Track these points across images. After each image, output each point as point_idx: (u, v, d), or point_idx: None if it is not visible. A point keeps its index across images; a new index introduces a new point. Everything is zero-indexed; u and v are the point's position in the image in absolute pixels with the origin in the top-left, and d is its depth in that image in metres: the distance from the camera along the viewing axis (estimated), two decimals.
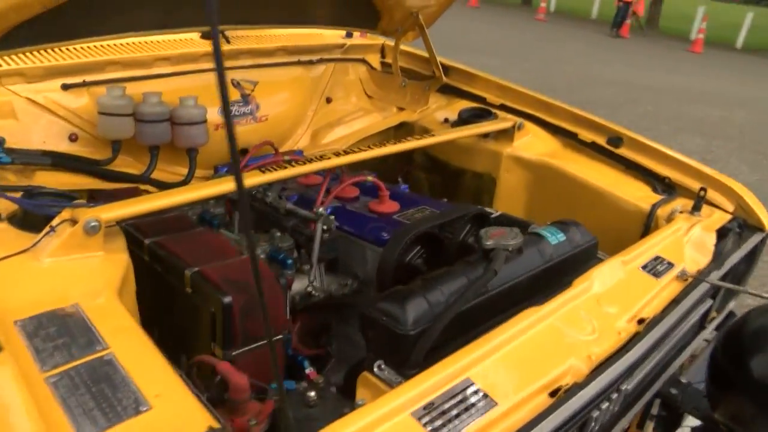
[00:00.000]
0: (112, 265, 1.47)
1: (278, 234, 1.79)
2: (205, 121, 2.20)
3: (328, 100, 2.83)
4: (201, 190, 1.66)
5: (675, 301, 1.68)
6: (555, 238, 1.75)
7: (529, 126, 2.52)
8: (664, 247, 1.86)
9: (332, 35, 2.96)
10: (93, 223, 1.44)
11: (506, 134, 2.46)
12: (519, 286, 1.61)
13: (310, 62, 2.76)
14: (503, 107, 2.64)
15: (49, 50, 2.21)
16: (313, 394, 1.33)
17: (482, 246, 1.56)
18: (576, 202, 2.30)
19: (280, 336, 1.57)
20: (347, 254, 1.87)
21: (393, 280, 1.72)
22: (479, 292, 1.44)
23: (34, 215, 1.53)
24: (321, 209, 1.73)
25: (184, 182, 2.22)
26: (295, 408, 1.36)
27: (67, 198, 1.68)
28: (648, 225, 2.13)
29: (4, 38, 1.80)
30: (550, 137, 2.52)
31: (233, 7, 2.21)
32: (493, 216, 2.06)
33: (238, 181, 0.77)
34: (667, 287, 1.71)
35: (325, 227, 1.75)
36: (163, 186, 2.18)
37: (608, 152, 2.39)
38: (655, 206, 2.13)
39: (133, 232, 1.72)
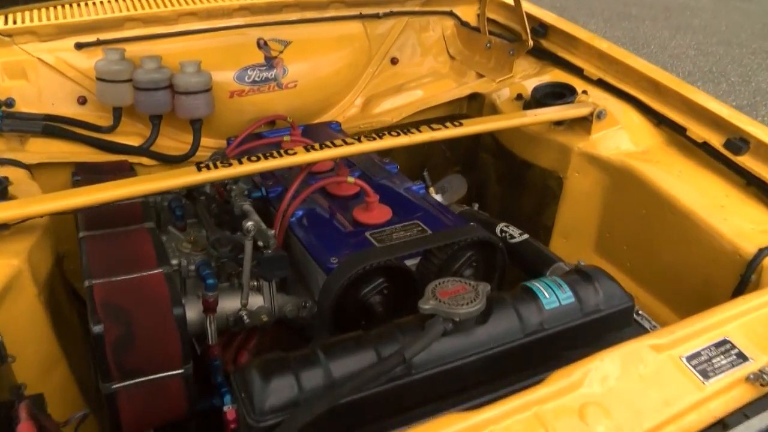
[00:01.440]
0: None
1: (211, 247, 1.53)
2: (208, 90, 1.97)
3: (394, 61, 2.43)
4: (108, 192, 1.44)
5: (723, 425, 1.12)
6: (554, 298, 1.28)
7: (624, 112, 1.95)
8: (750, 323, 1.26)
9: None
10: None
11: (583, 124, 1.92)
12: (471, 368, 1.20)
13: (376, 16, 2.37)
14: (601, 83, 2.08)
15: (65, 5, 2.10)
16: None
17: (419, 307, 1.18)
18: (658, 225, 1.74)
19: (175, 372, 1.34)
20: (307, 271, 1.56)
21: (337, 319, 1.40)
22: (366, 384, 1.07)
23: None
24: (250, 224, 1.42)
25: (186, 157, 2.03)
26: None
27: None
28: (746, 278, 1.53)
29: None
30: (650, 130, 1.93)
31: None
32: (513, 242, 1.61)
33: None
34: (717, 397, 1.14)
35: (261, 244, 1.45)
36: (162, 159, 2.02)
37: (725, 159, 1.77)
38: (763, 252, 1.52)
39: (77, 222, 1.57)
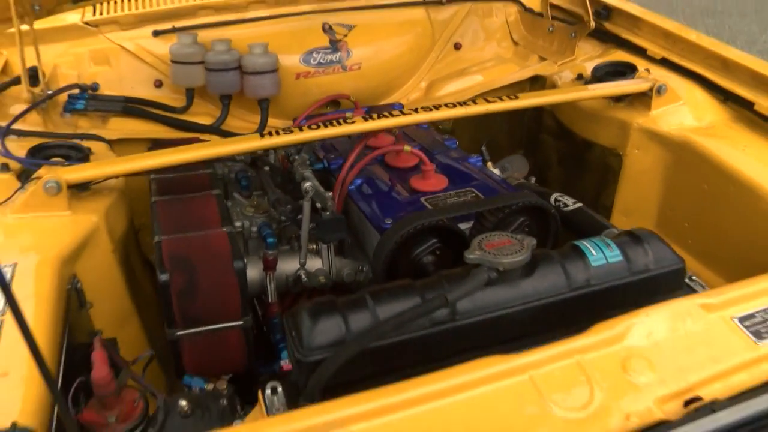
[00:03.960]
0: (74, 227, 1.48)
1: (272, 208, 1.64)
2: (274, 71, 2.09)
3: (457, 46, 2.50)
4: (176, 155, 1.57)
5: None
6: (601, 256, 1.32)
7: (687, 89, 1.96)
8: None
9: None
10: (50, 184, 1.45)
11: (643, 100, 1.93)
12: (516, 319, 1.25)
13: (439, 2, 2.45)
14: (665, 62, 2.08)
15: None
16: (184, 403, 1.20)
17: (465, 257, 1.24)
18: (722, 201, 1.74)
19: (235, 323, 1.44)
20: (363, 236, 1.65)
21: (390, 278, 1.47)
22: (409, 322, 1.14)
23: (30, 171, 1.60)
24: (308, 185, 1.52)
25: None
26: (170, 416, 1.24)
27: (78, 150, 1.73)
28: None
29: None
30: (714, 106, 1.93)
31: None
32: (566, 209, 1.65)
33: None
34: None
35: (319, 206, 1.55)
36: (230, 136, 2.15)
37: None
38: None
39: (150, 189, 1.71)
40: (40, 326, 1.19)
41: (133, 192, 1.78)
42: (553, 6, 2.45)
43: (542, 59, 2.43)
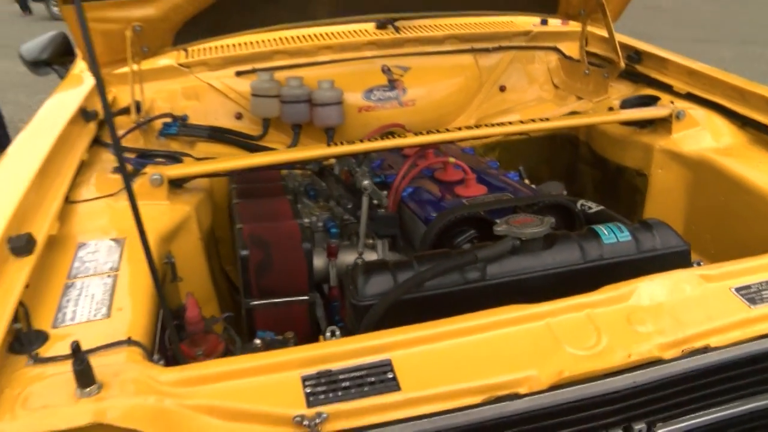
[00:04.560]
0: (171, 213, 1.79)
1: (336, 205, 1.93)
2: (339, 103, 2.43)
3: (502, 89, 2.81)
4: (257, 158, 1.89)
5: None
6: (612, 236, 1.55)
7: (707, 116, 2.19)
8: None
9: (523, 22, 2.93)
10: (155, 176, 1.78)
11: (664, 125, 2.17)
12: (537, 284, 1.48)
13: (486, 50, 2.78)
14: (690, 96, 2.33)
15: (229, 43, 2.67)
16: (258, 342, 1.45)
17: (494, 230, 1.49)
18: (738, 212, 1.94)
19: (302, 297, 1.71)
20: (413, 234, 1.91)
21: None
22: (444, 272, 1.39)
23: (135, 170, 1.94)
24: (367, 182, 1.80)
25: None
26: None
27: (174, 159, 2.07)
28: None
29: (184, 30, 2.28)
30: (732, 130, 2.15)
31: None
32: (590, 211, 1.87)
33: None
34: (765, 320, 1.31)
35: (376, 202, 1.83)
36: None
37: None
38: None
39: (231, 196, 2.03)
40: (147, 282, 1.47)
41: (215, 206, 2.11)
42: (589, 53, 2.73)
43: (579, 99, 2.70)
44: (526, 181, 2.17)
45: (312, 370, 1.14)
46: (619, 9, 2.51)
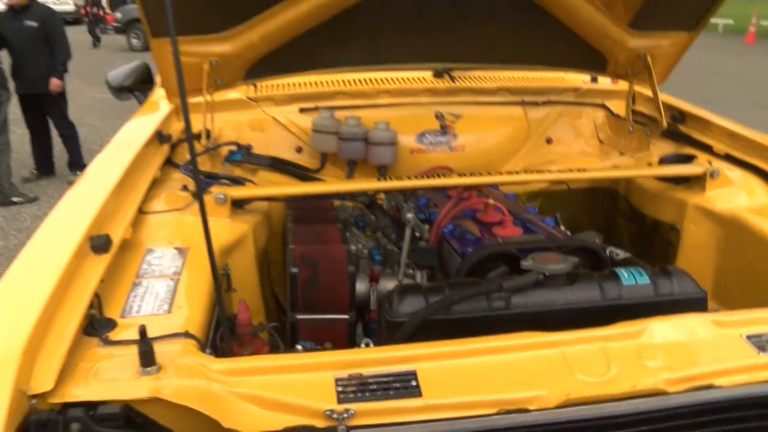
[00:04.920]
0: (231, 230, 2.00)
1: (381, 236, 2.10)
2: (393, 144, 2.62)
3: (549, 141, 2.95)
4: (312, 187, 2.09)
5: None
6: (632, 279, 1.67)
7: (743, 176, 2.29)
8: None
9: (573, 78, 3.09)
10: (219, 196, 1.99)
11: (699, 182, 2.28)
12: (558, 317, 1.60)
13: (535, 103, 2.94)
14: (728, 158, 2.43)
15: (295, 82, 2.90)
16: (300, 347, 1.61)
17: (521, 265, 1.63)
18: (765, 269, 2.02)
19: (342, 316, 1.88)
20: (451, 267, 2.06)
21: None
22: (470, 297, 1.54)
23: (203, 189, 2.15)
24: (410, 215, 1.97)
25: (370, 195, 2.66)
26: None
27: (237, 182, 2.28)
28: None
29: (255, 67, 2.52)
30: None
31: (458, 46, 2.59)
32: (618, 257, 1.99)
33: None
34: None
35: (417, 235, 1.99)
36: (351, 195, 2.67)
37: None
38: None
39: (286, 220, 2.22)
40: (207, 284, 1.66)
41: (270, 230, 2.31)
42: (635, 111, 2.87)
43: (621, 154, 2.83)
44: (562, 227, 2.30)
45: (344, 373, 1.29)
46: (666, 71, 2.65)
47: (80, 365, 1.27)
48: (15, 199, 6.46)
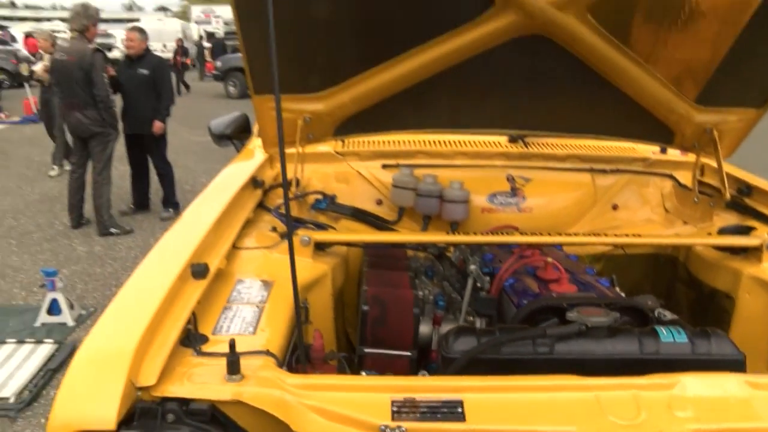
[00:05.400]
0: (313, 268, 2.28)
1: (447, 284, 2.35)
2: (466, 202, 2.87)
3: (615, 207, 3.13)
4: (388, 236, 2.36)
5: None
6: (670, 336, 1.83)
7: None
8: None
9: (643, 149, 3.27)
10: (305, 238, 2.29)
11: (756, 253, 2.41)
12: (597, 366, 1.78)
13: (603, 171, 3.15)
14: None
15: (380, 139, 3.22)
16: (364, 374, 1.86)
17: (566, 316, 1.85)
18: None
19: (405, 353, 2.12)
20: (508, 317, 2.27)
21: None
22: (515, 340, 1.75)
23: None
24: (473, 267, 2.21)
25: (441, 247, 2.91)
26: None
27: (321, 227, 2.59)
28: None
29: (344, 125, 2.85)
30: None
31: (531, 115, 2.85)
32: (665, 318, 2.15)
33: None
34: None
35: (479, 285, 2.23)
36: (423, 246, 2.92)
37: None
38: None
39: (365, 261, 2.50)
40: (287, 314, 1.94)
41: (348, 274, 2.59)
42: (702, 183, 3.03)
43: (685, 223, 2.98)
44: (617, 289, 2.47)
45: (399, 396, 1.51)
46: (733, 146, 2.81)
47: (177, 369, 1.55)
48: (113, 230, 7.04)
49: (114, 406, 1.37)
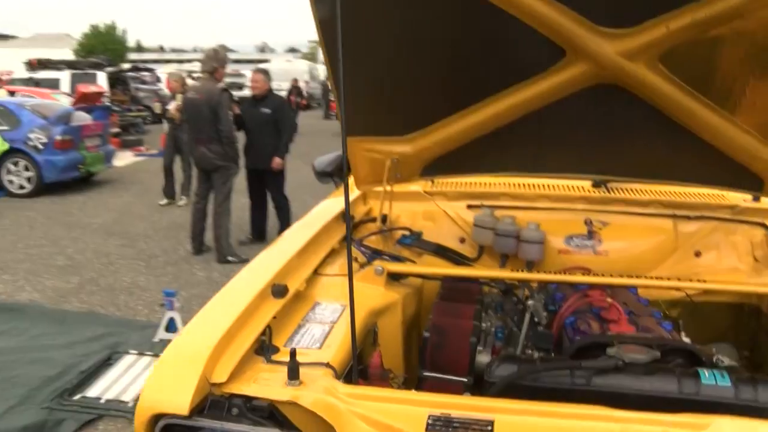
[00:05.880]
0: (384, 296, 2.53)
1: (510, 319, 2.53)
2: (541, 243, 3.03)
3: (697, 254, 3.16)
4: (461, 270, 2.58)
5: None
6: (712, 379, 1.92)
7: None
8: None
9: (733, 196, 3.27)
10: (378, 268, 2.55)
11: None
12: (633, 401, 1.85)
13: (686, 217, 3.21)
14: None
15: (466, 181, 3.45)
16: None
17: (606, 351, 1.99)
18: None
19: (461, 378, 2.32)
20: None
21: None
22: (552, 370, 1.92)
23: (367, 261, 2.74)
24: (531, 302, 2.38)
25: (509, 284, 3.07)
26: None
27: (398, 260, 2.85)
28: None
29: (431, 166, 3.12)
30: None
31: (612, 160, 3.00)
32: (721, 365, 2.22)
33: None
34: None
35: (536, 320, 2.39)
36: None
37: None
38: None
39: (439, 292, 2.72)
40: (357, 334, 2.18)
41: (423, 306, 2.82)
42: None
43: None
44: (682, 334, 2.55)
45: (437, 411, 1.70)
46: None
47: (247, 372, 1.82)
48: (230, 258, 7.62)
49: (188, 396, 1.67)
